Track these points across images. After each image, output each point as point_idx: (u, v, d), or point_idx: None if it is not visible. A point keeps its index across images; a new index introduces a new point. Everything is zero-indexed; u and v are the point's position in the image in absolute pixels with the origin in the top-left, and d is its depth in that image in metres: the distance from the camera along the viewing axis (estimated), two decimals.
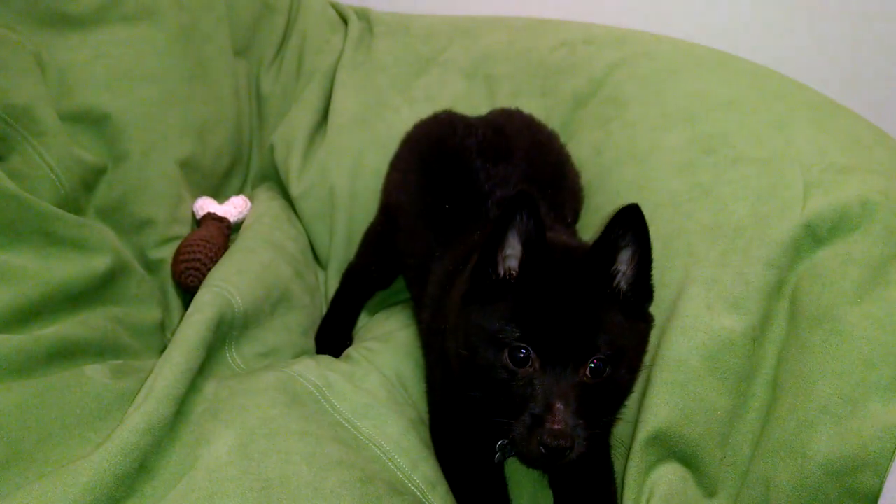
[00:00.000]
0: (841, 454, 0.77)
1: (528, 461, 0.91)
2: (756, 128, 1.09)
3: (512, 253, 0.87)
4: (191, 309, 1.02)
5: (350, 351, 1.14)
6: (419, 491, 0.92)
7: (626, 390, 0.87)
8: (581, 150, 1.28)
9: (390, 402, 1.03)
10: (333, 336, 1.26)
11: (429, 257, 1.11)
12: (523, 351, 0.83)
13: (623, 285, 0.87)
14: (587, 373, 0.83)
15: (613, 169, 1.20)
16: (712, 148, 1.09)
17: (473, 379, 0.88)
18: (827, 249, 0.92)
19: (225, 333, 1.04)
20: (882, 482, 0.74)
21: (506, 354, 0.83)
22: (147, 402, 0.82)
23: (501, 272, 0.88)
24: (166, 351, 0.92)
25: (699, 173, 1.07)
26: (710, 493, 0.89)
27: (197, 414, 0.89)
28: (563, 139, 1.30)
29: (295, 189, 1.40)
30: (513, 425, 0.83)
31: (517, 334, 0.83)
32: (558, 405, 0.80)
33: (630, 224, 0.84)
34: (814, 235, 0.93)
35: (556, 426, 0.79)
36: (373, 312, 1.33)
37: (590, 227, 1.19)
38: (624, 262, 0.86)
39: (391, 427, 0.98)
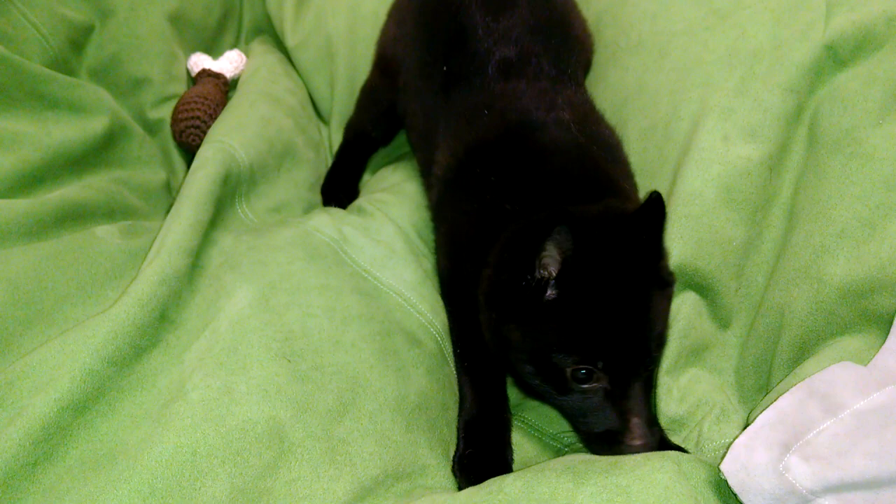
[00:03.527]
0: (858, 276, 0.77)
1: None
2: None
3: (548, 270, 0.76)
4: (194, 165, 1.00)
5: (362, 203, 1.13)
6: (440, 337, 0.93)
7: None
8: None
9: (407, 252, 1.03)
10: (339, 187, 1.23)
11: (432, 122, 1.05)
12: (583, 371, 0.76)
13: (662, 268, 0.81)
14: (646, 370, 0.79)
15: None
16: None
17: (524, 375, 0.81)
18: (849, 71, 0.87)
19: (233, 188, 1.03)
20: None
21: (568, 373, 0.76)
22: (159, 256, 0.83)
23: (539, 291, 0.77)
24: (174, 206, 0.92)
25: None
26: (725, 324, 0.89)
27: (215, 266, 0.89)
28: None
29: (290, 40, 1.35)
30: (578, 428, 0.81)
31: (576, 358, 0.76)
32: (635, 420, 0.76)
33: (663, 210, 0.77)
34: (836, 57, 0.88)
35: (637, 442, 0.75)
36: (376, 169, 1.30)
37: (602, 65, 1.14)
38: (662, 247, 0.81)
39: (410, 275, 0.98)
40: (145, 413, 0.73)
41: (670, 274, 0.82)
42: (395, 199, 1.14)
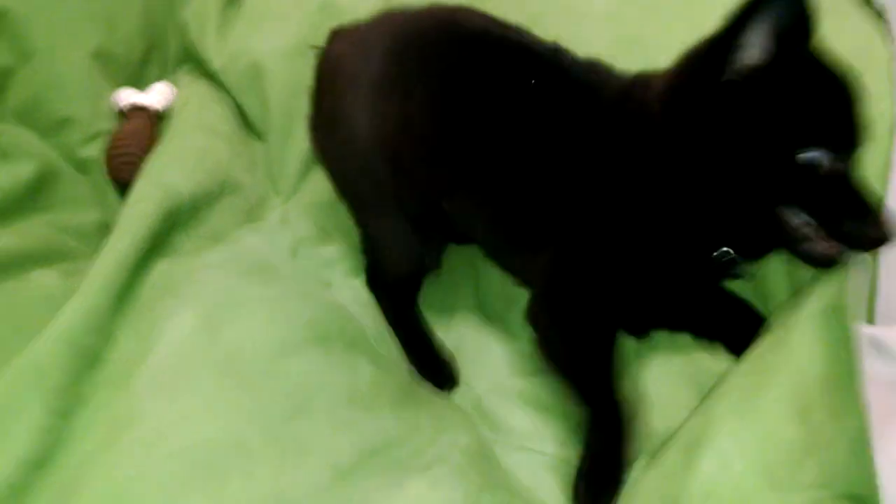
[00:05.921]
0: None
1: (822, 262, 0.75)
2: None
3: (752, 50, 0.69)
4: (130, 200, 1.00)
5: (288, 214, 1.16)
6: (374, 340, 0.96)
7: None
8: None
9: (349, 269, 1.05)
10: (431, 362, 1.00)
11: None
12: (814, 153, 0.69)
13: None
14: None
15: None
16: None
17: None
18: None
19: (172, 220, 1.02)
20: None
21: (794, 157, 0.69)
22: (82, 293, 0.83)
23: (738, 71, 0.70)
24: (108, 241, 0.91)
25: None
26: None
27: (152, 294, 0.89)
28: None
29: (216, 63, 1.33)
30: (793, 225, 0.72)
31: (827, 147, 0.69)
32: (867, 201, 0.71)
33: None
34: None
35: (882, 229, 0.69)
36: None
37: None
38: None
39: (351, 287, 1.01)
40: (101, 447, 0.73)
41: None
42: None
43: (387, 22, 0.99)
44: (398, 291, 1.04)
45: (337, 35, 1.02)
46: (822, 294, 0.75)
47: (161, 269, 0.93)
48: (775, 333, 0.78)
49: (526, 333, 0.95)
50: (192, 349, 0.82)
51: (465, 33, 0.92)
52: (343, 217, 1.14)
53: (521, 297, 0.94)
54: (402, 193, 0.96)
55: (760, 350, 0.78)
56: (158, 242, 0.98)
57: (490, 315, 1.04)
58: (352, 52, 0.98)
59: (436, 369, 0.99)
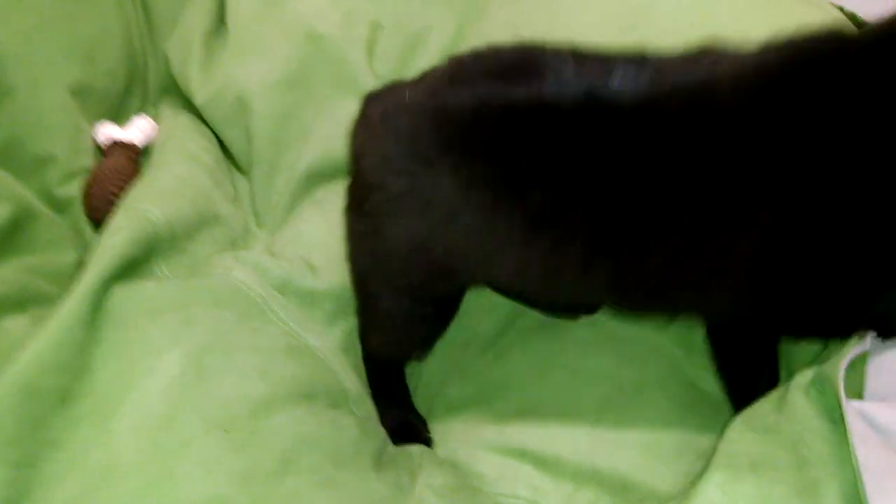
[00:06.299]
0: None
1: None
2: None
3: None
4: (106, 231, 0.96)
5: (284, 247, 1.12)
6: (352, 401, 0.93)
7: None
8: None
9: (333, 307, 1.02)
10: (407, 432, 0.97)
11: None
12: None
13: None
14: None
15: None
16: None
17: None
18: None
19: (150, 250, 0.98)
20: None
21: None
22: (48, 325, 0.80)
23: None
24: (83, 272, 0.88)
25: None
26: None
27: (134, 321, 0.86)
28: None
29: (199, 98, 1.31)
30: None
31: None
32: None
33: None
34: None
35: None
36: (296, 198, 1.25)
37: None
38: None
39: (334, 336, 0.98)
40: (78, 499, 0.70)
41: None
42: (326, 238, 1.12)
43: (435, 81, 0.77)
44: (392, 365, 1.00)
45: (372, 100, 0.83)
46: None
47: (144, 295, 0.90)
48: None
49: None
50: (179, 396, 0.80)
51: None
52: (330, 253, 1.11)
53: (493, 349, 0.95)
54: (439, 281, 0.83)
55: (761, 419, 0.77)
56: (136, 270, 0.95)
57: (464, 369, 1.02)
58: (389, 122, 0.77)
59: (410, 437, 0.96)
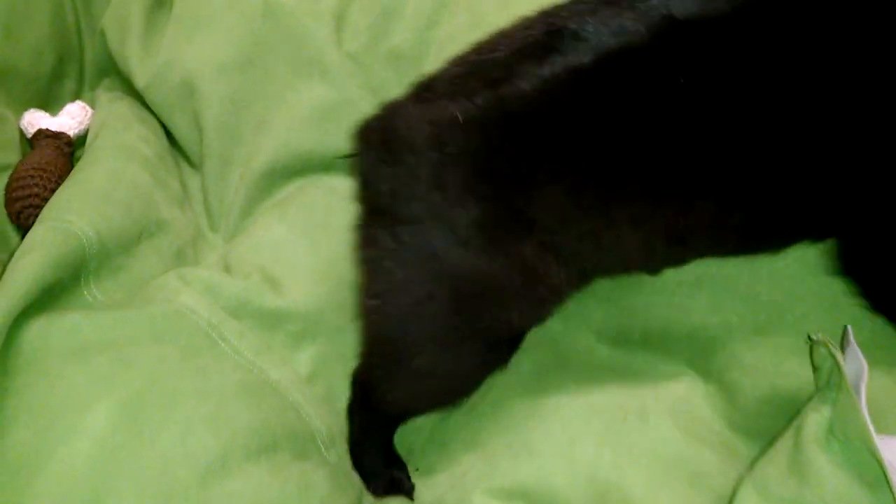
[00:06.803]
0: None
1: None
2: None
3: None
4: (19, 251, 0.80)
5: (242, 257, 0.97)
6: (323, 444, 0.79)
7: None
8: None
9: (302, 329, 0.88)
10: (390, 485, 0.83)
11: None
12: None
13: None
14: None
15: None
16: None
17: None
18: None
19: (76, 270, 0.82)
20: None
21: None
22: None
23: None
24: None
25: None
26: None
27: (54, 361, 0.70)
28: None
29: (140, 80, 1.14)
30: None
31: None
32: None
33: None
34: None
35: None
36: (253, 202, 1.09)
37: None
38: None
39: (303, 366, 0.84)
40: None
41: None
42: (290, 246, 0.98)
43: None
44: (408, 417, 0.84)
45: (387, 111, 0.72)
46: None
47: (68, 330, 0.74)
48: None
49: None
50: (109, 460, 0.64)
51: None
52: (294, 263, 0.97)
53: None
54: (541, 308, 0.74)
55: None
56: (60, 297, 0.79)
57: None
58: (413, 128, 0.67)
59: (392, 489, 0.82)
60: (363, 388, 0.82)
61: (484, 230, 0.66)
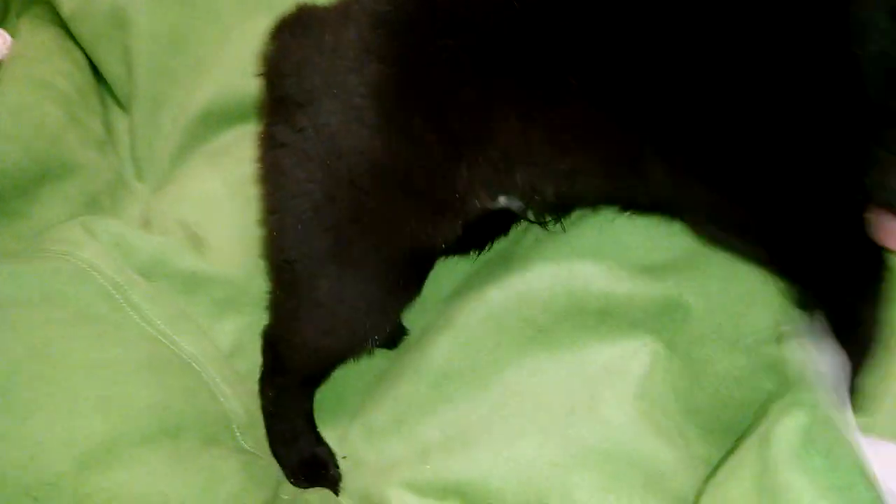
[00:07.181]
0: None
1: None
2: None
3: None
4: None
5: (165, 211, 0.86)
6: (239, 429, 0.69)
7: None
8: None
9: (228, 297, 0.78)
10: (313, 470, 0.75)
11: None
12: None
13: None
14: None
15: None
16: None
17: None
18: None
19: None
20: None
21: None
22: None
23: None
24: None
25: None
26: None
27: None
28: None
29: (66, 7, 1.01)
30: None
31: None
32: None
33: None
34: None
35: None
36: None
37: None
38: None
39: (226, 337, 0.75)
40: None
41: None
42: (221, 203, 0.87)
43: None
44: (321, 372, 0.75)
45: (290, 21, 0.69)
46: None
47: None
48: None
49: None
50: None
51: None
52: (224, 219, 0.86)
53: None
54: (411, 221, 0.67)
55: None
56: None
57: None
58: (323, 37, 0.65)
59: (316, 476, 0.74)
60: (272, 346, 0.74)
61: (379, 98, 0.62)
